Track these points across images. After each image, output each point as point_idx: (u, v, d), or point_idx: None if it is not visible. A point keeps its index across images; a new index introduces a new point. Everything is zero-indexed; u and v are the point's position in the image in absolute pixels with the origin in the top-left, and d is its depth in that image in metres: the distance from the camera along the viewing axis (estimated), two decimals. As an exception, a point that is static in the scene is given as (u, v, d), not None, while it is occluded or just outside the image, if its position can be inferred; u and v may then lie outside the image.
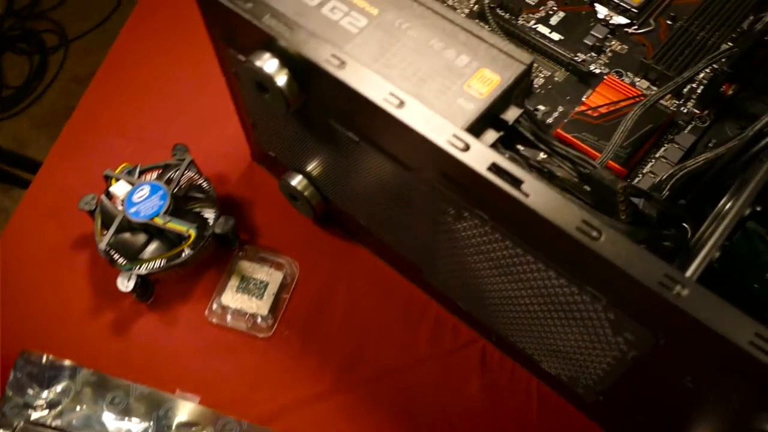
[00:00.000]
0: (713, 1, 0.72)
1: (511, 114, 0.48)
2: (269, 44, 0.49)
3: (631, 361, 0.46)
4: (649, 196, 0.51)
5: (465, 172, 0.42)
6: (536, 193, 0.40)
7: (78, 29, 1.69)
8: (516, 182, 0.41)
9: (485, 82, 0.47)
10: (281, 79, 0.49)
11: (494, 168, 0.41)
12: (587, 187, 0.49)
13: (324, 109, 0.52)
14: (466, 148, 0.42)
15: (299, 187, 0.63)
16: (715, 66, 0.65)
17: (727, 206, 0.50)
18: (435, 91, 0.47)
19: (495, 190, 0.41)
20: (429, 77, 0.48)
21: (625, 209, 0.47)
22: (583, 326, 0.47)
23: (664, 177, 0.56)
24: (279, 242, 0.68)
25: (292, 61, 0.48)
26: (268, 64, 0.49)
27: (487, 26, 0.71)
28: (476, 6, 0.75)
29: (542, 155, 0.50)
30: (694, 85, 0.69)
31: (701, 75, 0.68)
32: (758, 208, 0.50)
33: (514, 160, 0.46)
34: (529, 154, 0.50)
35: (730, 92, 0.68)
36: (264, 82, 0.50)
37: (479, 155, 0.42)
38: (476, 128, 0.46)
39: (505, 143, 0.48)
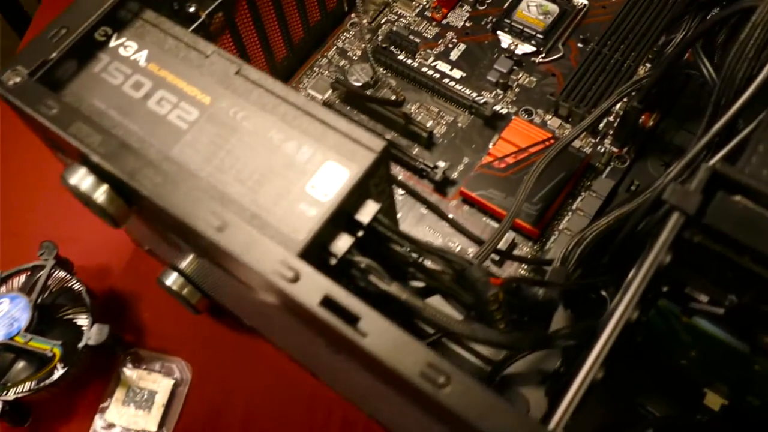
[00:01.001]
0: (625, 17, 0.65)
1: (369, 210, 0.41)
2: (82, 157, 0.42)
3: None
4: (525, 298, 0.44)
5: (297, 305, 0.35)
6: (375, 332, 0.34)
7: None
8: (352, 319, 0.34)
9: (330, 179, 0.40)
10: (100, 196, 0.42)
11: (327, 302, 0.35)
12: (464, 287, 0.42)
13: (160, 221, 0.45)
14: (296, 278, 0.35)
15: (175, 287, 0.56)
16: (626, 100, 0.58)
17: (631, 284, 0.43)
18: (274, 195, 0.40)
19: (329, 327, 0.34)
20: (267, 179, 0.41)
21: (502, 318, 0.40)
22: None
23: (570, 247, 0.49)
24: (169, 342, 0.61)
25: (108, 175, 0.42)
26: (83, 180, 0.42)
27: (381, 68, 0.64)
28: (369, 45, 0.68)
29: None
30: (611, 118, 0.62)
31: (617, 106, 0.61)
32: (665, 289, 0.43)
33: (370, 270, 0.39)
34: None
35: (651, 123, 0.61)
36: (83, 197, 0.43)
37: (310, 286, 0.35)
38: (322, 237, 0.39)
39: (366, 246, 0.41)
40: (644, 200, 0.49)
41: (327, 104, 0.65)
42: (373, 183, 0.42)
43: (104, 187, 0.42)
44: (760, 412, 0.48)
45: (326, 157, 0.41)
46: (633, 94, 0.56)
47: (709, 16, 0.55)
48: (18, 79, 0.44)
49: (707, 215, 0.36)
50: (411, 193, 0.57)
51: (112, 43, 0.47)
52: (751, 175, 0.37)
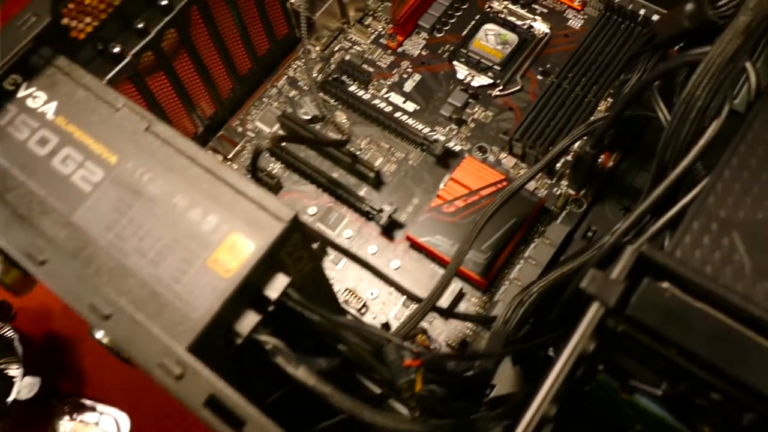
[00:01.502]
0: (588, 48, 0.61)
1: (278, 285, 0.38)
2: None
3: None
4: (452, 375, 0.41)
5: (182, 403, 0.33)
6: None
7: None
8: (237, 423, 0.31)
9: (235, 253, 0.38)
10: (-6, 265, 0.40)
11: (212, 403, 0.32)
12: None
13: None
14: (181, 375, 0.33)
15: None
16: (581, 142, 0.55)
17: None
18: (174, 270, 0.37)
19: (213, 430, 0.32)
20: (169, 250, 0.38)
21: (416, 406, 0.37)
22: None
23: (512, 308, 0.46)
24: (108, 391, 0.58)
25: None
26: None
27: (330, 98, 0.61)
28: (319, 75, 0.65)
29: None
30: (569, 157, 0.59)
31: (576, 145, 0.58)
32: (600, 367, 0.40)
33: (276, 352, 0.36)
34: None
35: (611, 163, 0.57)
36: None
37: (195, 385, 0.32)
38: (224, 317, 0.37)
39: (278, 323, 0.39)
40: (585, 261, 0.46)
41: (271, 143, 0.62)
42: (286, 252, 0.40)
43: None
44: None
45: (232, 227, 0.39)
46: (587, 137, 0.53)
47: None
48: None
49: (631, 305, 0.33)
50: (343, 251, 0.53)
51: (21, 93, 0.44)
52: (681, 259, 0.34)
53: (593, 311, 0.33)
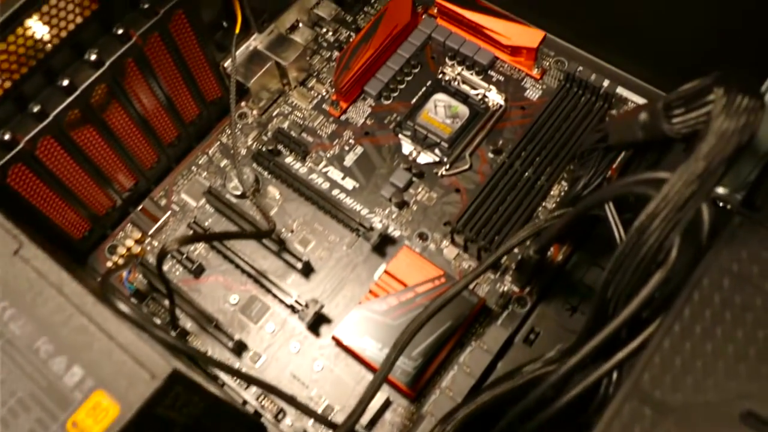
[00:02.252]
0: (544, 124, 0.56)
1: (148, 449, 0.33)
2: None
3: None
4: None
5: None
6: None
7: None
8: None
9: (97, 416, 0.32)
10: None
11: None
12: None
13: None
14: None
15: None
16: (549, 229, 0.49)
17: None
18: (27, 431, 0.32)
19: None
20: (24, 407, 0.33)
21: None
22: None
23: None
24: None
25: None
26: None
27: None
28: (254, 144, 0.59)
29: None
30: (515, 249, 0.53)
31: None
32: None
33: None
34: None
35: (560, 257, 0.52)
36: None
37: None
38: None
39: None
40: (519, 384, 0.41)
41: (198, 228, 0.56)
42: (165, 406, 0.35)
43: None
44: None
45: (98, 383, 0.33)
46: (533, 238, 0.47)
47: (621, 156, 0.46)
48: None
49: None
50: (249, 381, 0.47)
51: None
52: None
53: None
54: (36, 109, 0.46)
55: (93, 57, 0.47)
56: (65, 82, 0.46)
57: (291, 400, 0.42)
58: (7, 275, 0.36)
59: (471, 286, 0.52)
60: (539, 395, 0.37)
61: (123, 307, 0.40)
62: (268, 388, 0.42)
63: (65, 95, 0.47)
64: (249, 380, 0.43)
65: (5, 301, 0.35)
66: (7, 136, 0.45)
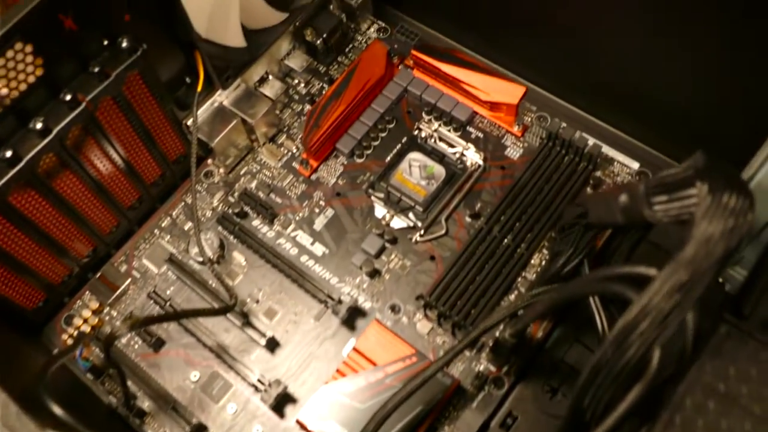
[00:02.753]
0: (525, 185, 0.53)
1: None
2: None
3: None
4: None
5: None
6: None
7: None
8: None
9: None
10: None
11: None
12: None
13: None
14: None
15: None
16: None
17: None
18: None
19: None
20: None
21: None
22: None
23: None
24: None
25: None
26: None
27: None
28: (221, 206, 0.56)
29: None
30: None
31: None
32: None
33: None
34: None
35: (540, 334, 0.49)
36: None
37: None
38: None
39: None
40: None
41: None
42: None
43: None
44: None
45: None
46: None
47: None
48: None
49: None
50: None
51: None
52: None
53: None
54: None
55: (39, 126, 0.44)
56: (8, 153, 0.43)
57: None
58: None
59: (448, 367, 0.48)
60: None
61: (56, 409, 0.36)
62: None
63: (9, 167, 0.44)
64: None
65: None
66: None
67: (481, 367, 0.49)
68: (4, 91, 0.42)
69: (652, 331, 0.28)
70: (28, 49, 0.42)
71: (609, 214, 0.39)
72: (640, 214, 0.36)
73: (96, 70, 0.46)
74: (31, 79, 0.44)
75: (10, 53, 0.42)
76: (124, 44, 0.47)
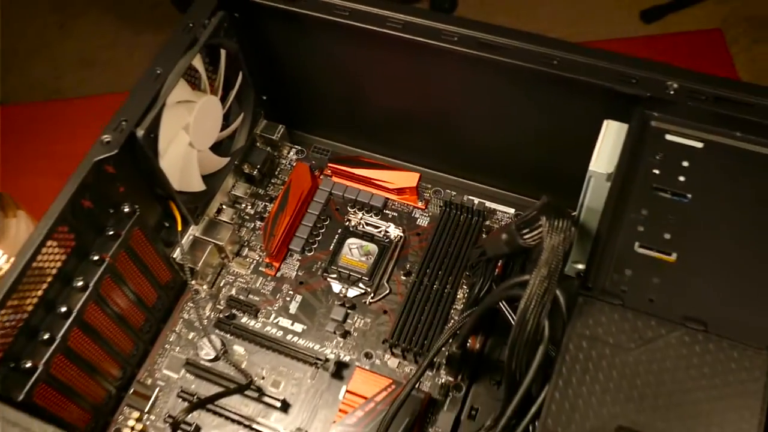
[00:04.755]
0: (438, 244, 0.72)
1: None
2: None
3: None
4: None
5: None
6: None
7: None
8: None
9: None
10: None
11: None
12: None
13: None
14: None
15: None
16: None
17: None
18: None
19: None
20: None
21: None
22: None
23: None
24: None
25: None
26: None
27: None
28: (212, 314, 0.72)
29: None
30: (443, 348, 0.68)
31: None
32: None
33: None
34: None
35: (477, 345, 0.67)
36: None
37: None
38: None
39: None
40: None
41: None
42: None
43: None
44: None
45: None
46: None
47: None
48: None
49: None
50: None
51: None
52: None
53: None
54: (45, 336, 0.57)
55: (80, 283, 0.59)
56: (63, 309, 0.58)
57: None
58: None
59: (417, 386, 0.65)
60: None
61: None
62: None
63: (64, 319, 0.58)
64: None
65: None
66: (28, 364, 0.56)
67: (443, 380, 0.66)
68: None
69: (538, 307, 0.47)
70: (64, 229, 0.58)
71: (499, 249, 0.58)
72: (517, 243, 0.55)
73: (110, 233, 0.62)
74: (69, 250, 0.59)
75: (54, 236, 0.57)
76: (126, 209, 0.63)
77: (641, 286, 0.50)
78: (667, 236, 0.52)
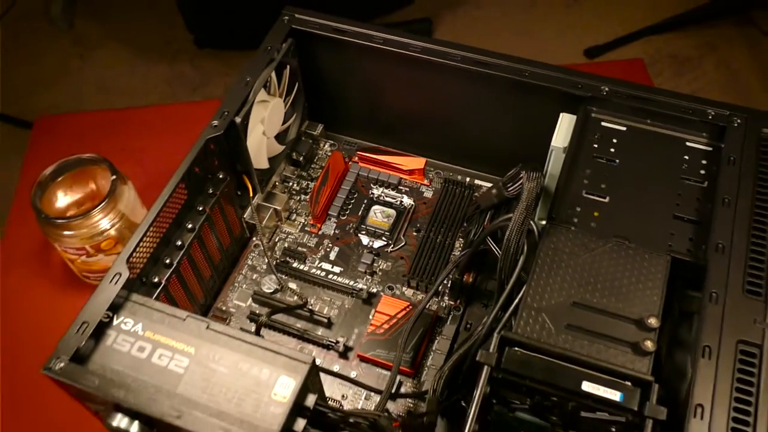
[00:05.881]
0: (440, 209, 0.93)
1: (310, 401, 0.63)
2: (118, 408, 0.61)
3: None
4: (416, 427, 0.68)
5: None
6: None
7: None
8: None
9: (285, 387, 0.62)
10: (134, 429, 0.61)
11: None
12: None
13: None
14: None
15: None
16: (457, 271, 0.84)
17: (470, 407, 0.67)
18: (252, 406, 0.61)
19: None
20: (246, 396, 0.62)
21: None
22: None
23: (435, 381, 0.73)
24: None
25: (140, 417, 0.61)
26: (121, 422, 0.61)
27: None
28: (272, 260, 0.91)
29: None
30: (446, 281, 0.88)
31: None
32: (494, 401, 0.68)
33: (319, 437, 0.61)
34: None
35: (471, 279, 0.87)
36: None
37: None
38: (287, 426, 0.61)
39: (314, 421, 0.63)
40: (471, 344, 0.74)
41: (258, 322, 0.87)
42: (310, 381, 0.65)
43: (135, 423, 0.61)
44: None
45: (279, 373, 0.63)
46: (457, 266, 0.83)
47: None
48: (62, 365, 0.63)
49: (502, 363, 0.61)
50: (326, 372, 0.79)
51: (115, 322, 0.67)
52: (521, 334, 0.63)
53: (485, 371, 0.61)
54: (166, 261, 0.76)
55: (189, 226, 0.78)
56: (178, 243, 0.77)
57: (354, 382, 0.73)
58: (208, 339, 0.65)
59: (428, 306, 0.85)
60: (479, 342, 0.71)
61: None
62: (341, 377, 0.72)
63: (178, 251, 0.77)
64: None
65: (212, 352, 0.64)
66: (155, 279, 0.74)
67: (445, 303, 0.86)
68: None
69: (519, 231, 0.68)
70: (182, 186, 0.77)
71: (490, 201, 0.79)
72: (503, 195, 0.76)
73: (209, 192, 0.82)
74: (182, 202, 0.78)
75: (176, 193, 0.76)
76: (220, 176, 0.83)
77: (587, 217, 0.71)
78: (603, 186, 0.73)
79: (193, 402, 0.61)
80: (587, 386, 0.60)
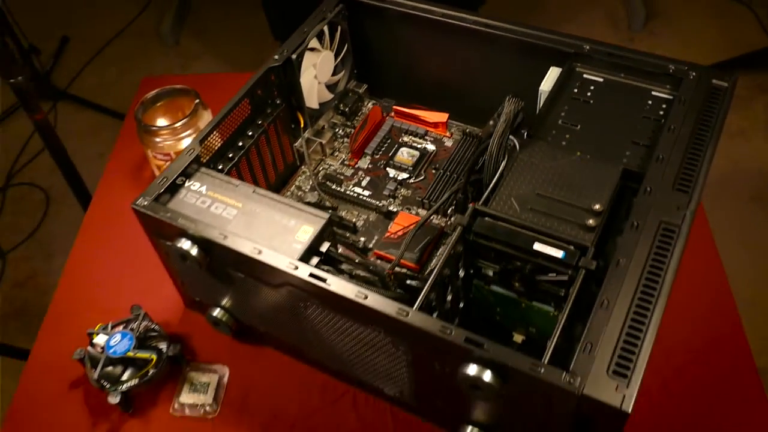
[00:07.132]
0: (455, 155, 1.10)
1: (324, 246, 0.81)
2: (183, 234, 0.80)
3: (409, 363, 0.77)
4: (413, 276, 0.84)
5: (298, 281, 0.74)
6: (336, 284, 0.72)
7: (13, 240, 2.02)
8: (323, 280, 0.73)
9: (305, 233, 0.80)
10: (194, 251, 0.80)
11: (311, 275, 0.73)
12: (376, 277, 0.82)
13: (222, 262, 0.82)
14: (296, 268, 0.74)
15: (219, 316, 0.93)
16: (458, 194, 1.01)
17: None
18: (281, 242, 0.79)
19: (313, 286, 0.73)
20: (277, 235, 0.80)
21: (392, 283, 0.79)
22: (385, 351, 0.78)
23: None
24: (212, 356, 0.95)
25: (198, 240, 0.80)
26: (186, 245, 0.80)
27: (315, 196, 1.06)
28: (316, 181, 1.10)
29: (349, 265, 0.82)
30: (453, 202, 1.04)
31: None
32: (471, 271, 0.83)
33: (328, 271, 0.78)
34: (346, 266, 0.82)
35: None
36: (184, 254, 0.81)
37: (303, 270, 0.74)
38: (305, 258, 0.78)
39: (326, 263, 0.80)
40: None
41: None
42: (326, 235, 0.82)
43: (195, 247, 0.80)
44: (539, 339, 0.87)
45: (302, 223, 0.81)
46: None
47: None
48: (146, 202, 0.83)
49: (474, 227, 0.77)
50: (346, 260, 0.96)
51: (186, 184, 0.87)
52: (494, 209, 0.79)
53: (458, 231, 0.77)
54: (230, 155, 0.96)
55: (249, 133, 0.98)
56: (240, 144, 0.97)
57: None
58: (253, 199, 0.84)
59: (437, 222, 1.01)
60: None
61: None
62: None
63: (239, 150, 0.97)
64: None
65: (256, 207, 0.84)
66: (220, 167, 0.94)
67: (451, 221, 1.02)
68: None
69: (499, 139, 0.84)
70: (246, 101, 0.98)
71: (488, 131, 0.96)
72: (495, 124, 0.93)
73: (268, 111, 1.02)
74: (246, 114, 0.99)
75: (240, 106, 0.97)
76: (278, 102, 1.03)
77: (559, 138, 0.87)
78: (578, 117, 0.89)
79: (236, 235, 0.80)
80: (538, 246, 0.75)
